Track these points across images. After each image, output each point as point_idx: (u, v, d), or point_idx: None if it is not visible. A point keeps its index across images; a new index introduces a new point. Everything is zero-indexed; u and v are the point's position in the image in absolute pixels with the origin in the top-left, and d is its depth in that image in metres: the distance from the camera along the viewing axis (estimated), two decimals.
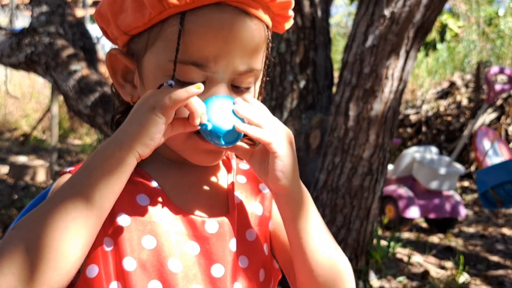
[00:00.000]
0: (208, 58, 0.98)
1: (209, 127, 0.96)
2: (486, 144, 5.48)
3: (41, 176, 6.82)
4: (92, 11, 14.47)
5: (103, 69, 4.35)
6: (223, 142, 0.98)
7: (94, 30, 7.22)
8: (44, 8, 3.91)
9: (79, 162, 8.45)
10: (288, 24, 1.14)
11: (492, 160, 5.34)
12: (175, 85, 0.98)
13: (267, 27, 1.05)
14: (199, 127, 0.96)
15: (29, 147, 9.62)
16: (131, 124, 0.93)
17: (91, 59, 4.39)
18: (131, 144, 0.92)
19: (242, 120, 0.98)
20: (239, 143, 1.03)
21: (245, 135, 1.02)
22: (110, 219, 0.98)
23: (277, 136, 0.98)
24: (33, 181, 6.71)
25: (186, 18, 0.97)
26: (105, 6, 1.06)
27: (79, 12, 11.24)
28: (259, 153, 1.03)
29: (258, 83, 1.09)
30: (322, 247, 1.04)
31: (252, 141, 1.06)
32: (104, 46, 9.94)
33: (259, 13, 1.02)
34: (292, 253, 1.06)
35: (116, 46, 1.11)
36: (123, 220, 0.99)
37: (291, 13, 1.10)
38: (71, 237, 0.86)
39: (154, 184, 1.05)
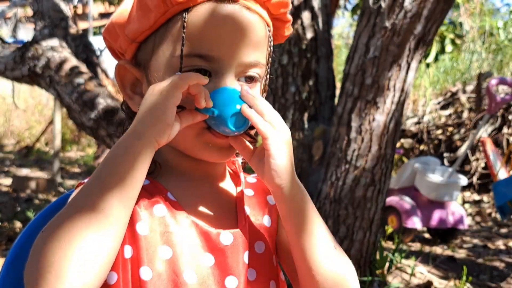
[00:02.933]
0: (212, 49, 1.02)
1: (216, 113, 0.99)
2: (492, 154, 5.48)
3: (43, 188, 6.82)
4: (95, 23, 14.54)
5: (106, 81, 4.37)
6: (231, 127, 1.00)
7: (97, 42, 7.26)
8: (47, 21, 3.94)
9: (81, 174, 8.47)
10: (288, 31, 1.18)
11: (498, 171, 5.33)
12: None
13: (268, 26, 1.10)
14: (206, 115, 0.99)
15: (32, 159, 9.63)
16: (144, 114, 0.96)
17: (94, 71, 4.42)
18: (148, 133, 0.94)
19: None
20: (241, 138, 1.05)
21: (248, 134, 1.06)
22: (130, 228, 0.99)
23: (275, 132, 1.00)
24: (36, 193, 6.72)
25: (190, 14, 1.02)
26: (113, 21, 1.11)
27: (82, 25, 11.30)
28: (259, 151, 1.05)
29: (263, 80, 1.13)
30: (322, 245, 1.05)
31: (253, 139, 1.08)
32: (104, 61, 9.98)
33: (259, 10, 1.07)
34: (293, 252, 1.07)
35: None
36: (141, 229, 1.00)
37: (289, 17, 1.14)
38: (99, 234, 0.88)
39: (170, 195, 1.06)
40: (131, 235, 1.00)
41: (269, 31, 1.10)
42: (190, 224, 1.04)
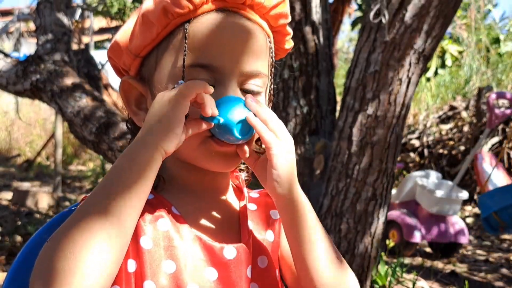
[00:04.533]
0: (215, 59, 1.03)
1: (221, 121, 0.99)
2: (487, 168, 5.49)
3: (44, 202, 6.81)
4: (96, 38, 14.60)
5: (113, 94, 4.38)
6: (236, 135, 1.00)
7: (97, 56, 7.29)
8: (50, 36, 3.96)
9: (82, 188, 8.47)
10: (289, 44, 1.19)
11: (494, 185, 5.34)
12: None
13: (268, 36, 1.11)
14: (212, 124, 0.99)
15: (33, 173, 9.63)
16: (152, 123, 0.96)
17: (96, 85, 4.44)
18: (156, 142, 0.94)
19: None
20: (246, 147, 1.06)
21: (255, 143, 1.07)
22: (133, 242, 0.99)
23: (278, 141, 1.01)
24: (37, 207, 6.71)
25: (190, 25, 1.03)
26: (117, 40, 1.13)
27: (84, 39, 11.35)
28: (262, 159, 1.06)
29: (267, 91, 1.13)
30: (324, 255, 1.06)
31: (258, 150, 1.09)
32: (108, 72, 10.01)
33: (259, 21, 1.08)
34: (294, 262, 1.08)
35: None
36: (145, 243, 1.01)
37: (289, 30, 1.16)
38: (102, 244, 0.88)
39: (174, 210, 1.07)
40: (135, 249, 1.00)
41: (269, 42, 1.11)
42: (193, 238, 1.04)
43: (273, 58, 1.13)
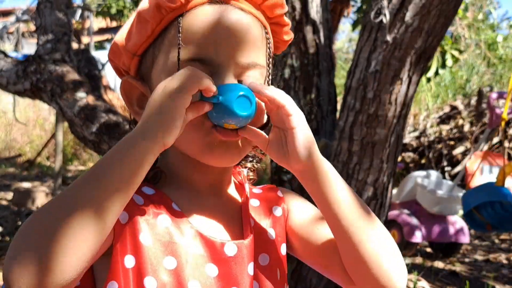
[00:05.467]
0: (208, 52, 1.02)
1: (220, 99, 0.98)
2: (471, 167, 5.47)
3: (45, 202, 6.81)
4: (96, 38, 14.60)
5: (111, 95, 4.38)
6: (237, 110, 0.98)
7: (99, 57, 7.29)
8: (50, 36, 3.95)
9: None
10: (288, 36, 1.17)
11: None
12: None
13: (265, 27, 1.10)
14: (211, 104, 0.98)
15: (33, 173, 9.63)
16: (151, 114, 0.94)
17: (96, 85, 4.44)
18: (155, 133, 0.92)
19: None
20: (253, 127, 1.04)
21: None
22: (132, 237, 0.99)
23: (297, 109, 1.01)
24: (37, 207, 6.71)
25: (185, 19, 1.03)
26: (116, 41, 1.13)
27: (84, 40, 11.35)
28: (275, 138, 1.03)
29: (265, 82, 1.12)
30: (358, 214, 1.05)
31: (262, 127, 1.07)
32: (107, 73, 10.02)
33: (253, 11, 1.07)
34: (333, 232, 1.06)
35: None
36: (145, 239, 1.00)
37: (287, 20, 1.14)
38: (88, 229, 0.85)
39: (174, 206, 1.06)
40: (133, 245, 0.99)
41: (266, 33, 1.10)
42: (194, 234, 1.04)
43: (271, 49, 1.12)
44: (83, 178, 0.90)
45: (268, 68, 1.11)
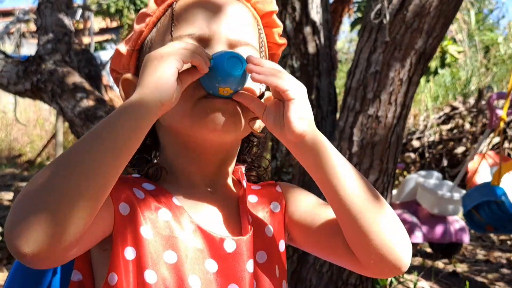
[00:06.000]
0: (200, 28, 1.06)
1: (212, 62, 0.99)
2: (471, 167, 5.47)
3: None
4: (96, 38, 14.60)
5: (110, 95, 4.38)
6: (230, 71, 0.99)
7: (99, 57, 7.29)
8: (51, 36, 3.96)
9: None
10: (281, 40, 1.21)
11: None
12: None
13: (256, 20, 1.15)
14: (206, 68, 0.99)
15: (33, 173, 9.62)
16: (146, 76, 0.95)
17: (97, 86, 4.44)
18: (151, 93, 0.93)
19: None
20: (247, 93, 1.05)
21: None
22: (133, 230, 1.00)
23: (294, 83, 1.02)
24: None
25: (177, 4, 1.10)
26: (117, 47, 1.17)
27: (85, 40, 11.36)
28: (273, 107, 1.04)
29: None
30: (363, 193, 1.02)
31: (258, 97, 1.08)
32: (108, 73, 10.03)
33: (245, 3, 1.15)
34: (337, 214, 1.04)
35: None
36: (146, 232, 1.01)
37: (278, 23, 1.19)
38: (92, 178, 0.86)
39: (175, 200, 1.07)
40: (134, 237, 1.00)
41: (258, 25, 1.15)
42: (194, 229, 1.05)
43: (263, 40, 1.16)
44: (85, 138, 0.90)
45: (261, 54, 1.15)
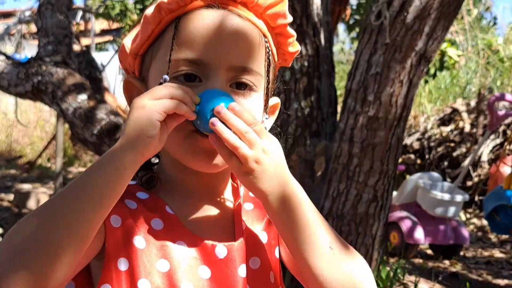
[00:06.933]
0: (200, 52, 1.03)
1: (197, 108, 0.98)
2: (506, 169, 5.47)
3: None
4: (97, 40, 14.62)
5: (110, 97, 4.38)
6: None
7: (99, 59, 7.29)
8: (51, 38, 3.97)
9: None
10: (293, 48, 1.15)
11: None
12: (173, 81, 1.02)
13: (265, 36, 1.09)
14: (192, 114, 0.97)
15: (34, 174, 9.63)
16: (128, 126, 0.95)
17: (97, 87, 4.44)
18: (132, 145, 0.93)
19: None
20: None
21: None
22: (125, 241, 1.01)
23: (258, 148, 0.96)
24: None
25: (181, 20, 1.05)
26: (124, 42, 1.15)
27: (85, 41, 11.36)
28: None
29: (261, 90, 1.09)
30: (322, 251, 1.00)
31: None
32: (108, 77, 10.03)
33: (253, 19, 1.07)
34: (297, 264, 1.04)
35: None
36: (139, 242, 1.02)
37: (291, 32, 1.13)
38: (68, 230, 0.88)
39: (168, 209, 1.07)
40: (127, 248, 1.01)
41: (266, 41, 1.09)
42: (187, 237, 1.05)
43: (270, 59, 1.11)
44: (67, 189, 0.92)
45: (267, 77, 1.10)
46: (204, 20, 1.04)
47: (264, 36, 1.09)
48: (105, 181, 0.92)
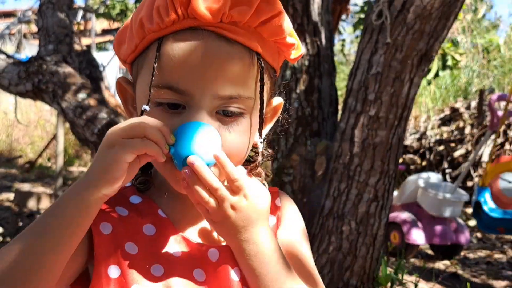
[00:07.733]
0: (182, 82, 0.96)
1: (172, 151, 0.95)
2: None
3: (46, 204, 6.82)
4: (98, 39, 14.61)
5: (110, 97, 4.38)
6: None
7: (100, 58, 7.28)
8: (52, 37, 3.97)
9: None
10: (296, 53, 1.11)
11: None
12: (155, 108, 0.99)
13: (258, 53, 1.01)
14: (162, 157, 0.94)
15: (34, 174, 9.63)
16: (95, 163, 0.93)
17: (98, 87, 4.43)
18: (95, 184, 0.91)
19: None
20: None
21: None
22: (116, 248, 0.99)
23: (223, 206, 0.96)
24: (38, 208, 6.71)
25: (163, 43, 0.98)
26: (116, 36, 1.12)
27: (85, 41, 11.36)
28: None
29: (256, 114, 1.05)
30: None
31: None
32: (108, 76, 10.02)
33: (241, 38, 0.98)
34: None
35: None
36: (130, 248, 1.01)
37: (291, 41, 1.06)
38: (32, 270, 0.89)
39: (160, 212, 1.07)
40: (117, 255, 0.99)
41: (258, 59, 1.01)
42: (180, 240, 1.04)
43: (265, 77, 1.03)
44: (29, 229, 0.92)
45: (261, 99, 1.04)
46: (186, 46, 0.97)
47: (257, 53, 1.01)
48: (67, 221, 0.91)
